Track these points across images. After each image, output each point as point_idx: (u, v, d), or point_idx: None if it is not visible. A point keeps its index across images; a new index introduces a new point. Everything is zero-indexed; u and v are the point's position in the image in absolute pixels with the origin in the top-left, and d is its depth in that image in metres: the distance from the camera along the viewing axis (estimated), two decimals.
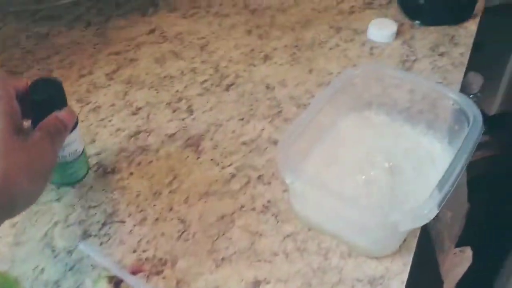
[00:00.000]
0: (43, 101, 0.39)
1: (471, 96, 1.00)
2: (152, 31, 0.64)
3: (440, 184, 0.39)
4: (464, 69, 0.60)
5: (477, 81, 0.97)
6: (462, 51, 0.62)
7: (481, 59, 1.00)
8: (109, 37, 0.63)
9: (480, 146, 1.19)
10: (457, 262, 1.10)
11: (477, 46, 1.00)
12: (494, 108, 1.04)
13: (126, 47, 0.62)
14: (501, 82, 1.00)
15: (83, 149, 0.46)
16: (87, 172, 0.48)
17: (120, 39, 0.63)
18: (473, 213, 1.04)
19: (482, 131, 0.43)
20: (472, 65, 1.00)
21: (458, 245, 1.06)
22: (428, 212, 0.37)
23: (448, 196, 0.39)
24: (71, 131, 0.42)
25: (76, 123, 0.44)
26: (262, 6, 0.69)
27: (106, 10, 0.67)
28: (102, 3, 0.68)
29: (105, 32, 0.64)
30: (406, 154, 0.47)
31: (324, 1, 0.70)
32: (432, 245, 0.89)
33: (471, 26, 0.66)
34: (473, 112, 0.44)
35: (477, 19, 0.67)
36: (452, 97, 0.46)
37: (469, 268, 1.04)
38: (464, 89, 0.99)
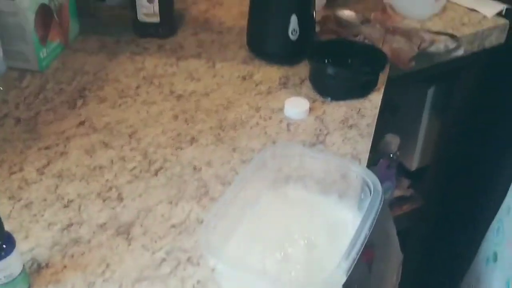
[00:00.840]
0: None
1: (391, 155, 1.08)
2: (81, 123, 0.67)
3: (346, 253, 0.43)
4: (371, 139, 0.66)
5: (394, 141, 1.06)
6: (368, 122, 0.69)
7: (397, 121, 1.09)
8: (38, 132, 0.66)
9: (406, 200, 1.27)
10: None
11: (392, 110, 1.09)
12: (414, 164, 1.12)
13: (56, 141, 0.64)
14: (418, 140, 1.09)
15: (22, 268, 0.47)
16: None
17: (50, 133, 0.65)
18: (408, 261, 1.10)
19: (382, 199, 0.48)
20: (389, 127, 1.09)
21: None
22: (336, 281, 0.41)
23: (355, 262, 0.43)
24: (6, 256, 0.44)
25: (13, 247, 0.45)
26: (187, 92, 0.74)
27: (34, 105, 0.70)
28: (31, 98, 0.71)
29: (34, 127, 0.66)
30: (321, 227, 0.51)
31: (244, 83, 0.76)
32: None
33: (375, 98, 0.73)
34: (373, 181, 0.50)
35: (381, 91, 0.74)
36: (354, 169, 0.52)
37: None
38: (384, 149, 1.08)
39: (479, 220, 1.03)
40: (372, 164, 1.07)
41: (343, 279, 0.42)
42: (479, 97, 0.99)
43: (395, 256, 1.08)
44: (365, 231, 0.45)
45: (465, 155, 1.05)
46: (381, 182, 1.07)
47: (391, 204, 1.12)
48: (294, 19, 0.76)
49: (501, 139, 0.98)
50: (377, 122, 0.72)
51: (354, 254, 0.43)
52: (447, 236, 1.14)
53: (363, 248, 1.05)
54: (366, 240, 0.45)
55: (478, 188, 1.05)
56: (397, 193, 1.12)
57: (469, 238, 1.06)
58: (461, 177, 1.07)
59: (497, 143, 0.99)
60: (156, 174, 0.61)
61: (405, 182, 1.14)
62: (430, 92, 1.01)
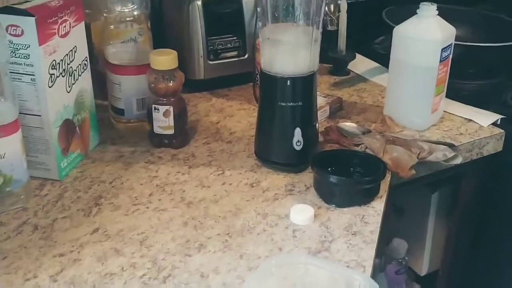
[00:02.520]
0: None
1: (399, 260, 1.08)
2: (95, 230, 0.70)
3: None
4: (375, 245, 0.68)
5: (402, 246, 1.06)
6: (372, 229, 0.71)
7: (404, 225, 1.10)
8: (54, 239, 0.69)
9: None
10: None
11: (398, 214, 1.11)
12: (424, 269, 1.12)
13: (71, 248, 0.67)
14: (425, 244, 1.09)
15: None
16: None
17: (65, 240, 0.68)
18: None
19: None
20: (396, 232, 1.10)
21: None
22: None
23: None
24: None
25: None
26: (197, 199, 0.77)
27: (52, 213, 0.74)
28: (49, 206, 0.75)
29: (51, 234, 0.69)
30: None
31: (251, 190, 0.79)
32: None
33: (378, 206, 0.75)
34: None
35: (383, 199, 0.77)
36: (357, 279, 0.53)
37: None
38: (392, 254, 1.08)
39: None
40: (380, 270, 1.07)
41: None
42: (483, 200, 1.02)
43: None
44: None
45: (475, 258, 1.05)
46: (391, 287, 1.06)
47: None
48: (298, 132, 0.81)
49: (508, 240, 0.98)
50: (383, 227, 0.74)
51: None
52: None
53: None
54: None
55: None
56: None
57: None
58: (472, 280, 1.06)
59: (505, 245, 1.00)
60: (164, 281, 0.62)
61: (416, 287, 1.13)
62: (435, 197, 1.04)
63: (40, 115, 0.76)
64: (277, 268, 0.55)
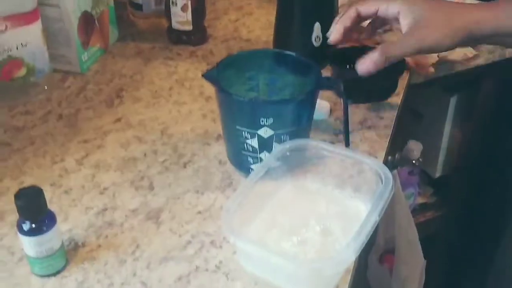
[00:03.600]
0: (25, 207, 0.48)
1: (413, 162, 1.10)
2: (118, 120, 0.73)
3: (356, 235, 0.46)
4: (388, 139, 0.69)
5: (417, 148, 1.08)
6: (386, 123, 0.72)
7: (420, 129, 1.11)
8: (78, 127, 0.71)
9: (429, 207, 1.29)
10: None
11: (416, 117, 1.12)
12: (437, 172, 1.14)
13: (94, 135, 0.70)
14: (440, 148, 1.11)
15: (61, 244, 0.52)
16: (65, 264, 0.53)
17: (89, 128, 0.71)
18: (432, 268, 1.11)
19: (392, 189, 0.52)
20: (412, 134, 1.11)
21: None
22: (345, 258, 0.44)
23: (364, 243, 0.46)
24: (48, 231, 0.49)
25: (54, 223, 0.50)
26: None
27: (75, 103, 0.76)
28: (72, 97, 0.77)
29: (75, 123, 0.72)
30: (336, 217, 0.55)
31: None
32: None
33: (394, 102, 0.76)
34: (384, 173, 0.53)
35: (400, 95, 0.77)
36: (368, 163, 0.55)
37: None
38: (406, 155, 1.10)
39: (503, 228, 1.04)
40: (393, 168, 1.10)
41: (352, 257, 0.45)
42: (501, 105, 1.01)
43: (417, 261, 1.09)
44: (375, 216, 0.48)
45: (488, 162, 1.06)
46: (404, 188, 1.09)
47: (414, 210, 1.14)
48: (317, 27, 0.80)
49: None
50: (399, 128, 0.75)
51: (363, 235, 0.46)
52: (470, 243, 1.15)
53: (385, 253, 1.07)
54: (376, 225, 0.48)
55: (502, 196, 1.06)
56: (420, 200, 1.14)
57: (494, 245, 1.07)
58: (485, 184, 1.08)
59: None
60: (184, 166, 0.65)
61: (428, 189, 1.16)
62: (453, 100, 1.04)
63: (58, 6, 0.76)
64: (291, 152, 0.57)
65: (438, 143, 1.10)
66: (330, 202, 0.57)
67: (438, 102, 1.07)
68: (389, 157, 0.70)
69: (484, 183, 1.10)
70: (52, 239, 0.51)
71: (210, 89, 0.79)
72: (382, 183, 0.52)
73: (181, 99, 0.77)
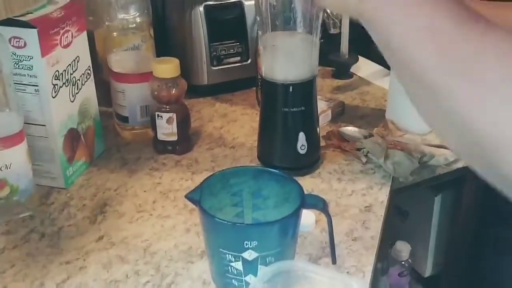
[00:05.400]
0: None
1: (402, 262, 1.09)
2: (100, 238, 0.72)
3: None
4: (375, 251, 0.69)
5: (405, 249, 1.07)
6: (373, 234, 0.72)
7: (407, 228, 1.11)
8: (61, 247, 0.70)
9: None
10: None
11: (402, 216, 1.12)
12: (428, 271, 1.12)
13: (77, 255, 0.69)
14: (429, 246, 1.10)
15: None
16: None
17: (71, 248, 0.70)
18: None
19: None
20: (400, 234, 1.11)
21: None
22: None
23: None
24: None
25: None
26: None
27: (58, 221, 0.75)
28: (55, 214, 0.76)
29: (57, 242, 0.71)
30: None
31: None
32: None
33: (379, 211, 0.76)
34: None
35: (385, 203, 0.78)
36: (354, 285, 0.54)
37: None
38: (395, 257, 1.09)
39: None
40: (383, 272, 1.08)
41: None
42: (487, 202, 1.02)
43: None
44: None
45: (478, 260, 1.05)
46: None
47: None
48: (302, 136, 0.82)
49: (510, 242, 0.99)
50: (385, 231, 0.74)
51: None
52: None
53: None
54: None
55: None
56: None
57: None
58: (476, 283, 1.07)
59: (508, 247, 1.00)
60: None
61: None
62: (438, 199, 1.04)
63: (44, 125, 0.77)
64: (277, 276, 0.56)
65: (426, 242, 1.09)
66: None
67: (423, 202, 1.07)
68: (378, 264, 0.69)
69: (475, 281, 1.08)
70: None
71: None
72: None
73: (164, 213, 0.77)
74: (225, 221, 0.58)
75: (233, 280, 0.59)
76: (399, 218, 1.08)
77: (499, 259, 1.04)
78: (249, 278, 0.58)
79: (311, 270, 0.57)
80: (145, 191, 0.82)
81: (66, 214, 0.77)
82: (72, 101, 0.81)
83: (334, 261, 0.64)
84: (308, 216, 0.73)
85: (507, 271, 0.97)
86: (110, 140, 0.94)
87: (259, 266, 0.58)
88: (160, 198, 0.80)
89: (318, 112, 0.85)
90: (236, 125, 1.01)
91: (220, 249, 0.58)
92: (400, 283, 1.05)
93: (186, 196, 0.60)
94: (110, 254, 0.69)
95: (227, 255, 0.58)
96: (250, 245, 0.57)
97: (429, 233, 1.07)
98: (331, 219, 0.62)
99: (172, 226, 0.74)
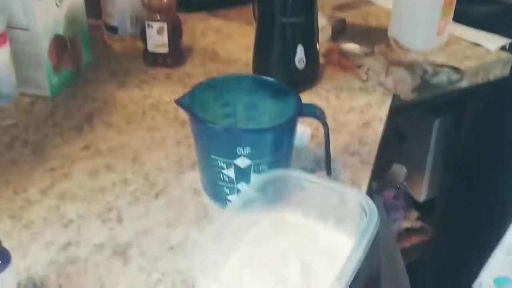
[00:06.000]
0: None
1: (398, 186, 1.07)
2: (86, 147, 0.69)
3: (339, 276, 0.43)
4: (371, 166, 0.67)
5: (401, 172, 1.05)
6: (369, 149, 0.69)
7: (404, 152, 1.09)
8: (45, 154, 0.67)
9: (415, 231, 1.25)
10: None
11: (399, 140, 1.09)
12: (422, 195, 1.12)
13: (62, 163, 0.66)
14: (425, 171, 1.08)
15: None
16: None
17: (56, 156, 0.67)
18: None
19: (378, 224, 0.48)
20: (396, 158, 1.09)
21: None
22: None
23: (348, 283, 0.43)
24: (0, 272, 0.45)
25: (8, 264, 0.45)
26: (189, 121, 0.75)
27: (43, 129, 0.72)
28: (40, 122, 0.73)
29: (42, 150, 0.68)
30: (318, 252, 0.51)
31: None
32: None
33: (378, 127, 0.73)
34: (369, 206, 0.50)
35: (383, 121, 0.75)
36: (352, 195, 0.52)
37: None
38: (390, 180, 1.07)
39: (490, 252, 1.01)
40: (377, 193, 1.07)
41: None
42: (486, 128, 0.99)
43: None
44: (359, 253, 0.45)
45: (474, 185, 1.04)
46: (388, 213, 1.06)
47: (399, 235, 1.11)
48: (300, 49, 0.78)
49: (509, 168, 0.97)
50: (383, 152, 0.72)
51: (347, 275, 0.43)
52: (458, 269, 1.12)
53: (369, 283, 1.03)
54: (360, 262, 0.45)
55: (488, 219, 1.03)
56: (406, 224, 1.11)
57: (481, 270, 1.04)
58: (471, 208, 1.06)
59: (505, 172, 0.98)
60: (156, 196, 0.62)
61: (414, 213, 1.13)
62: (436, 123, 1.02)
63: (28, 29, 0.72)
64: (271, 184, 0.54)
65: (422, 166, 1.08)
66: (311, 236, 0.54)
67: (421, 125, 1.04)
68: (373, 183, 0.67)
69: (470, 206, 1.07)
70: (5, 282, 0.46)
71: (185, 113, 0.76)
72: (366, 217, 0.49)
73: (154, 125, 0.74)
74: (217, 126, 0.55)
75: (225, 188, 0.57)
76: (397, 142, 1.06)
77: (494, 185, 1.02)
78: (241, 185, 0.56)
79: (306, 179, 0.55)
80: (134, 103, 0.78)
81: (51, 123, 0.73)
82: (58, 6, 0.76)
83: (329, 172, 0.61)
84: (304, 130, 0.71)
85: (507, 199, 0.96)
86: (99, 52, 0.89)
87: (252, 174, 0.56)
88: (150, 110, 0.77)
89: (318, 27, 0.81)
90: (231, 41, 0.96)
91: (212, 156, 0.56)
92: (394, 206, 1.04)
93: (175, 100, 0.57)
94: (96, 163, 0.66)
95: (219, 162, 0.55)
96: (243, 151, 0.54)
97: (426, 158, 1.06)
98: (328, 129, 0.59)
99: (162, 138, 0.71)
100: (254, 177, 0.55)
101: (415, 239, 1.13)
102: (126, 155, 0.68)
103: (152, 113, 0.76)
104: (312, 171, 0.66)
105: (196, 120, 0.55)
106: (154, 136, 0.72)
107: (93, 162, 0.66)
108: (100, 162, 0.66)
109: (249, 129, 0.60)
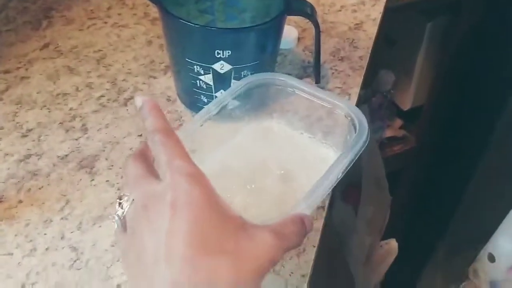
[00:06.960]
0: None
1: (384, 93, 1.03)
2: (45, 45, 0.61)
3: (313, 188, 0.39)
4: (363, 73, 0.61)
5: (389, 78, 1.00)
6: (361, 54, 0.63)
7: (392, 57, 1.03)
8: None
9: (398, 140, 1.23)
10: (384, 255, 1.13)
11: (389, 44, 1.03)
12: (408, 103, 1.07)
13: (17, 64, 0.58)
14: (413, 78, 1.03)
15: None
16: None
17: (11, 56, 0.59)
18: (396, 205, 1.07)
19: (367, 140, 0.44)
20: (384, 63, 1.03)
21: (384, 237, 1.09)
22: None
23: (324, 196, 0.39)
24: None
25: None
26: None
27: None
28: None
29: None
30: (302, 163, 0.47)
31: None
32: (341, 252, 0.90)
33: (370, 29, 0.67)
34: (360, 120, 0.45)
35: (377, 21, 0.68)
36: (341, 106, 0.46)
37: (396, 259, 1.07)
38: (377, 86, 1.02)
39: (473, 164, 1.00)
40: (364, 101, 1.02)
41: (307, 212, 0.37)
42: (479, 36, 0.93)
43: (383, 199, 1.05)
44: (341, 168, 0.41)
45: (461, 96, 1.00)
46: (372, 121, 1.02)
47: (381, 144, 1.08)
48: None
49: (500, 78, 0.92)
50: (371, 56, 0.66)
51: (323, 188, 0.38)
52: (438, 179, 1.12)
53: (349, 188, 1.01)
54: (341, 177, 0.41)
55: (473, 130, 1.00)
56: (389, 133, 1.08)
57: (462, 182, 1.03)
58: (456, 116, 1.03)
59: (497, 83, 0.94)
60: (125, 104, 0.55)
61: (398, 122, 1.10)
62: (429, 26, 0.95)
63: None
64: (255, 88, 0.48)
65: (410, 73, 1.02)
66: (295, 146, 0.49)
67: (413, 28, 0.98)
68: (361, 91, 0.62)
69: (455, 114, 1.04)
70: None
71: (156, 8, 0.68)
72: (355, 131, 0.44)
73: (121, 21, 0.66)
74: (193, 23, 0.47)
75: (202, 96, 0.51)
76: (386, 47, 0.99)
77: (483, 96, 0.98)
78: (220, 93, 0.50)
79: (293, 85, 0.49)
80: None
81: (4, 17, 0.64)
82: None
83: (318, 80, 0.56)
84: (290, 31, 0.64)
85: (495, 110, 0.92)
86: None
87: (232, 80, 0.50)
88: (116, 4, 0.68)
89: None
90: None
91: (187, 59, 0.49)
92: (379, 114, 1.00)
93: None
94: (57, 64, 0.59)
95: (195, 67, 0.49)
96: (223, 55, 0.48)
97: (415, 64, 1.00)
98: (319, 29, 0.52)
99: (130, 36, 0.64)
100: (234, 84, 0.49)
101: (397, 148, 1.10)
102: (90, 55, 0.60)
103: (118, 8, 0.67)
104: (298, 78, 0.60)
105: (168, 16, 0.47)
106: (121, 34, 0.64)
107: (53, 64, 0.59)
108: (60, 63, 0.59)
109: (229, 28, 0.53)
